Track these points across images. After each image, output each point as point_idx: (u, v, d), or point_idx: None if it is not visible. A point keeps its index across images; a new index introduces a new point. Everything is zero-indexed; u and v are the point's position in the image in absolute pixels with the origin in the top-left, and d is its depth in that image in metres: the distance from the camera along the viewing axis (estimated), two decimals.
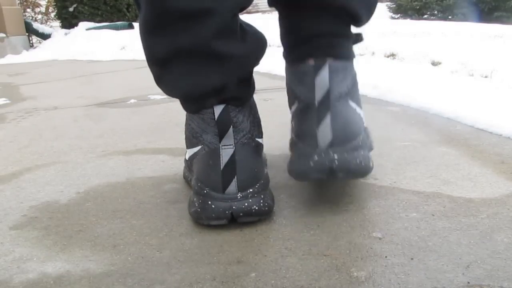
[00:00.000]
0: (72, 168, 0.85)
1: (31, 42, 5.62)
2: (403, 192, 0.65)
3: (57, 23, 6.23)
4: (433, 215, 0.58)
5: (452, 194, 0.64)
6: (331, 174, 0.56)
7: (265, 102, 1.25)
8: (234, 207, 0.56)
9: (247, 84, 0.63)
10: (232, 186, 0.56)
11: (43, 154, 0.95)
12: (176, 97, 0.63)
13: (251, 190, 0.57)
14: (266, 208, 0.57)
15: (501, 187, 0.65)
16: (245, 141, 0.59)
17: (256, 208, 0.56)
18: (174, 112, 1.30)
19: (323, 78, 0.58)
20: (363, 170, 0.57)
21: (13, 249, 0.55)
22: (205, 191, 0.57)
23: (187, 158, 0.67)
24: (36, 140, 1.08)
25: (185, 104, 0.63)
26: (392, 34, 3.03)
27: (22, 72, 2.90)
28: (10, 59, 4.19)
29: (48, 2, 6.80)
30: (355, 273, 0.46)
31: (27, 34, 5.32)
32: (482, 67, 1.59)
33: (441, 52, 1.92)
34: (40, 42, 5.64)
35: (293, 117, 0.63)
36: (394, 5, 8.11)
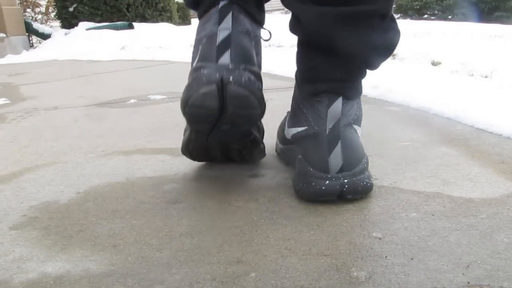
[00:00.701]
0: (72, 168, 0.85)
1: (31, 42, 5.62)
2: (403, 192, 0.65)
3: (57, 23, 6.23)
4: (433, 215, 0.58)
5: (452, 194, 0.64)
6: (341, 196, 0.62)
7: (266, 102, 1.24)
8: (224, 73, 0.60)
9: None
10: (226, 57, 0.62)
11: (43, 154, 0.95)
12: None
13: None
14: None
15: (501, 187, 0.65)
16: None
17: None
18: (174, 112, 1.30)
19: (335, 110, 0.64)
20: (369, 189, 0.64)
21: (13, 249, 0.55)
22: (199, 64, 0.63)
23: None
24: (36, 140, 1.08)
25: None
26: None
27: (22, 72, 2.90)
28: (10, 59, 4.19)
29: (48, 2, 6.81)
30: (355, 273, 0.46)
31: (27, 34, 5.32)
32: (482, 67, 1.59)
33: (441, 52, 1.92)
34: (40, 42, 5.64)
35: (298, 138, 0.67)
36: (394, 5, 8.10)
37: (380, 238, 0.53)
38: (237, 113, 0.61)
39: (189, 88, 0.61)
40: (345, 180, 0.61)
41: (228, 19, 0.64)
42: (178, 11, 7.28)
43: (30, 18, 6.45)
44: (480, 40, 2.67)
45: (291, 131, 0.70)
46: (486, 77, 1.48)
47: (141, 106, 1.43)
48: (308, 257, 0.50)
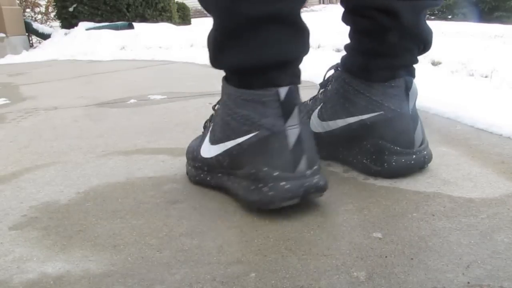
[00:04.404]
0: (72, 168, 0.85)
1: (31, 42, 5.62)
2: (403, 192, 0.65)
3: (57, 23, 6.23)
4: (433, 215, 0.58)
5: (452, 194, 0.63)
6: (424, 166, 0.72)
7: None
8: (306, 184, 0.58)
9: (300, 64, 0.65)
10: (302, 165, 0.58)
11: (43, 154, 0.95)
12: (248, 66, 0.59)
13: (316, 166, 0.60)
14: (326, 183, 0.61)
15: (501, 187, 0.65)
16: (306, 120, 0.62)
17: (322, 183, 0.60)
18: (174, 112, 1.30)
19: (414, 91, 0.71)
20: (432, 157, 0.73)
21: (13, 249, 0.55)
22: (275, 174, 0.58)
23: (220, 152, 0.65)
24: (36, 140, 1.07)
25: (251, 77, 0.59)
26: None
27: (22, 72, 2.90)
28: (10, 59, 4.19)
29: (48, 2, 6.81)
30: (355, 273, 0.46)
31: (27, 34, 5.32)
32: (482, 67, 1.59)
33: (441, 52, 1.92)
34: (40, 42, 5.64)
35: (367, 125, 0.71)
36: None
37: (380, 238, 0.53)
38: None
39: (265, 196, 0.58)
40: (425, 152, 0.71)
41: (295, 114, 0.58)
42: (178, 11, 7.29)
43: (30, 18, 6.45)
44: (480, 40, 2.67)
45: (346, 121, 0.73)
46: (486, 77, 1.48)
47: (141, 106, 1.43)
48: (308, 257, 0.50)
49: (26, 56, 4.29)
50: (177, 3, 7.34)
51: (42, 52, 4.50)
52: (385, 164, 0.69)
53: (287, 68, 0.60)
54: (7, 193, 0.74)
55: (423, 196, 0.63)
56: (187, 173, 0.75)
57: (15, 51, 4.66)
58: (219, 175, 0.68)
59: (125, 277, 0.48)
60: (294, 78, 0.60)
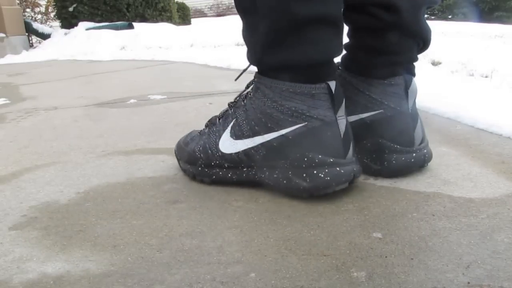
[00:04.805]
0: (72, 168, 0.85)
1: (31, 42, 5.62)
2: (403, 192, 0.65)
3: (57, 23, 6.24)
4: (433, 215, 0.58)
5: (452, 194, 0.63)
6: (424, 165, 0.72)
7: None
8: (355, 169, 0.64)
9: None
10: (350, 152, 0.64)
11: (43, 154, 0.95)
12: (297, 63, 0.63)
13: (355, 154, 0.66)
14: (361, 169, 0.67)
15: (501, 187, 0.65)
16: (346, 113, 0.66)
17: (361, 169, 0.67)
18: (174, 112, 1.30)
19: (414, 89, 0.71)
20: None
21: (13, 249, 0.55)
22: (331, 160, 0.62)
23: (253, 145, 0.67)
24: (36, 140, 1.07)
25: (299, 72, 0.63)
26: None
27: (22, 72, 2.90)
28: (10, 59, 4.20)
29: (48, 2, 6.81)
30: (355, 273, 0.46)
31: (27, 34, 5.33)
32: (482, 67, 1.59)
33: (441, 52, 1.92)
34: (40, 42, 5.64)
35: (367, 123, 0.71)
36: None
37: (380, 238, 0.53)
38: None
39: (322, 181, 0.62)
40: (425, 150, 0.71)
41: (343, 106, 0.64)
42: (178, 11, 7.29)
43: (30, 18, 6.45)
44: (480, 40, 2.67)
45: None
46: (486, 77, 1.48)
47: (141, 106, 1.43)
48: (308, 257, 0.50)
49: (26, 56, 4.29)
50: (177, 3, 7.34)
51: (42, 52, 4.50)
52: (385, 163, 0.69)
53: (330, 64, 0.65)
54: (7, 193, 0.74)
55: (423, 196, 0.63)
56: (191, 176, 0.74)
57: (15, 51, 4.66)
58: (246, 169, 0.68)
59: (125, 277, 0.48)
60: (335, 73, 0.66)
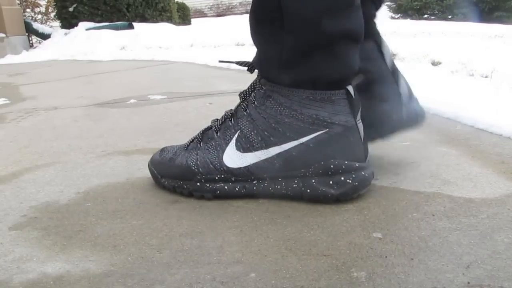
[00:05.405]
0: (72, 168, 0.85)
1: (31, 42, 5.62)
2: (403, 192, 0.65)
3: (57, 23, 6.24)
4: (433, 215, 0.58)
5: (452, 194, 0.63)
6: (419, 121, 0.74)
7: None
8: (373, 172, 0.65)
9: None
10: (368, 155, 0.65)
11: (43, 154, 0.95)
12: (327, 76, 0.63)
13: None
14: None
15: (501, 187, 0.65)
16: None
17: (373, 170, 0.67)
18: (174, 112, 1.30)
19: (387, 49, 0.71)
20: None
21: (13, 249, 0.55)
22: (356, 165, 0.63)
23: (267, 157, 0.64)
24: (36, 140, 1.08)
25: (326, 85, 0.63)
26: (392, 34, 3.03)
27: (22, 72, 2.90)
28: (10, 59, 4.20)
29: (48, 2, 6.81)
30: (355, 273, 0.46)
31: (27, 34, 5.33)
32: (482, 67, 1.59)
33: (441, 52, 1.92)
34: (40, 42, 5.64)
35: (361, 91, 0.68)
36: (394, 5, 8.11)
37: (380, 238, 0.53)
38: None
39: (351, 186, 0.62)
40: (414, 105, 0.74)
41: (359, 110, 0.64)
42: (178, 11, 7.29)
43: (30, 18, 6.45)
44: (480, 40, 2.67)
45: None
46: (486, 77, 1.48)
47: (141, 106, 1.43)
48: (308, 257, 0.50)
49: (26, 56, 4.30)
50: (177, 3, 7.34)
51: (42, 52, 4.50)
52: (381, 123, 0.71)
53: (353, 76, 0.66)
54: (7, 193, 0.74)
55: (423, 196, 0.63)
56: (186, 193, 0.67)
57: (15, 51, 4.67)
58: (257, 182, 0.65)
59: (125, 277, 0.48)
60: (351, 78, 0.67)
